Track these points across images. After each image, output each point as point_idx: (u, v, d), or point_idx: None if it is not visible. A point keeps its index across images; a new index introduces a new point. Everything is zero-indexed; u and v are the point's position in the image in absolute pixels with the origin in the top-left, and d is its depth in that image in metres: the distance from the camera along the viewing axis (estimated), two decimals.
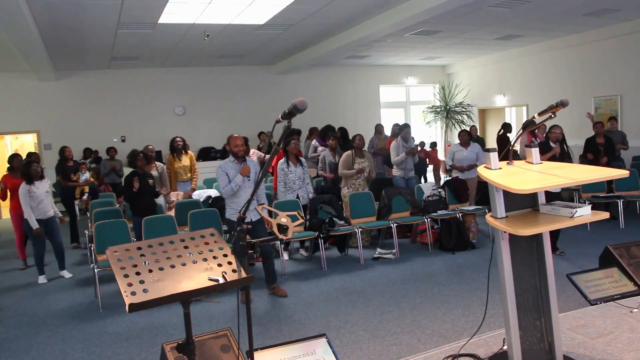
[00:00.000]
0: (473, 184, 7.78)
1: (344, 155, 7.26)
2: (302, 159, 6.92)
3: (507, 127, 10.99)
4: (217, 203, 6.89)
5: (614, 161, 8.23)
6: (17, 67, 10.85)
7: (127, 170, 11.31)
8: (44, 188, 6.35)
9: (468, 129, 12.65)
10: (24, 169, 6.34)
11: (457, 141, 8.20)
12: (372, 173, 7.44)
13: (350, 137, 8.06)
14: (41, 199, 6.29)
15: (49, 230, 6.43)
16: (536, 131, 8.76)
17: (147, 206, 6.41)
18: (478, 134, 12.53)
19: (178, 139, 7.82)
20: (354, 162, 7.16)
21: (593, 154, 8.00)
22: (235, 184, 5.17)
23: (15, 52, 8.98)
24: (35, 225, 6.20)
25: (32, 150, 12.80)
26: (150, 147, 7.48)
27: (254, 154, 7.57)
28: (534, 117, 3.12)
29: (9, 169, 7.23)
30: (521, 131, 3.25)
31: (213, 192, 7.63)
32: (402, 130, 8.18)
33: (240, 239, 2.33)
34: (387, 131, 10.67)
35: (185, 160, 7.79)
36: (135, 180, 6.32)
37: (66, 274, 6.53)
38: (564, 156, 6.59)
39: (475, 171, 7.69)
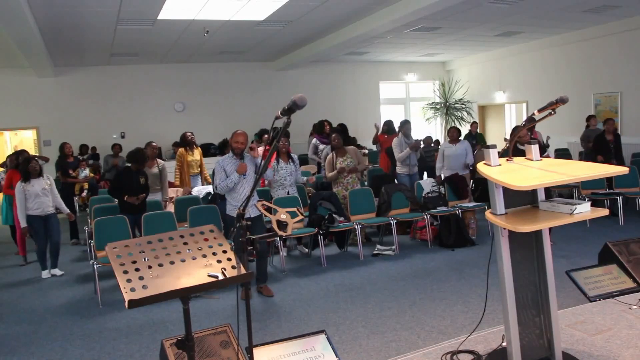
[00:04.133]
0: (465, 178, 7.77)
1: (327, 158, 7.17)
2: (294, 156, 6.85)
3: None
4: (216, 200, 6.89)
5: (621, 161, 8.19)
6: (16, 63, 10.83)
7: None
8: (40, 185, 6.32)
9: (469, 125, 12.72)
10: (23, 166, 6.37)
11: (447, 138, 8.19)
12: (361, 165, 7.33)
13: (350, 134, 8.06)
14: (37, 196, 6.28)
15: (47, 228, 6.41)
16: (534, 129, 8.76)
17: (133, 204, 6.32)
18: (478, 130, 12.52)
19: (189, 133, 8.11)
20: (336, 162, 7.11)
21: (604, 151, 7.94)
22: (231, 181, 5.15)
23: (14, 48, 8.95)
24: (23, 223, 6.26)
25: (32, 147, 12.83)
26: (154, 144, 7.45)
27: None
28: (533, 113, 3.12)
29: (15, 165, 7.24)
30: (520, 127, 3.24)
31: (211, 188, 7.65)
32: (402, 127, 8.16)
33: (240, 235, 2.33)
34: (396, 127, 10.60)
35: (196, 154, 8.09)
36: (132, 199, 6.25)
37: (57, 272, 6.49)
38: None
39: (462, 168, 7.68)
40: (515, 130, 3.25)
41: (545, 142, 8.70)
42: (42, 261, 6.43)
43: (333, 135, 7.29)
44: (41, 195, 6.32)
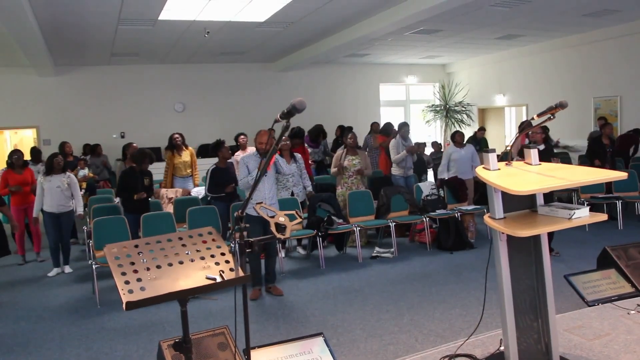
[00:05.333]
0: (470, 184, 7.78)
1: (336, 154, 7.27)
2: (297, 155, 6.88)
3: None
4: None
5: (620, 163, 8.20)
6: (17, 62, 10.83)
7: (114, 164, 11.37)
8: (56, 182, 6.41)
9: (476, 129, 12.72)
10: (48, 160, 6.52)
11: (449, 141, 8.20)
12: (367, 170, 7.37)
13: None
14: (52, 191, 6.37)
15: (59, 225, 6.48)
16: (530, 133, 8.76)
17: (139, 204, 6.38)
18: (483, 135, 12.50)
19: (176, 135, 7.97)
20: (344, 160, 7.13)
21: (600, 155, 7.93)
22: (252, 178, 5.21)
23: (15, 47, 8.96)
24: (35, 214, 6.43)
25: (33, 145, 12.82)
26: (135, 145, 7.54)
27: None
28: (533, 118, 3.12)
29: (9, 164, 7.22)
30: (518, 133, 3.25)
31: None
32: (401, 129, 8.16)
33: (240, 237, 2.33)
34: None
35: (185, 156, 7.94)
36: (141, 194, 6.35)
37: (67, 268, 6.57)
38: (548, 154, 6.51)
39: (471, 172, 7.68)
40: (522, 129, 3.26)
41: (555, 143, 8.70)
42: (54, 258, 6.50)
43: (350, 134, 7.36)
44: (56, 192, 6.40)
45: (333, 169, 7.28)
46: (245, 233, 2.33)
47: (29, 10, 6.77)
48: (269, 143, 5.38)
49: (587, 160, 8.21)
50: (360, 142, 10.55)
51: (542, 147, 6.23)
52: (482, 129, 12.52)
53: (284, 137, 7.03)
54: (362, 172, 7.22)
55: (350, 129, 9.86)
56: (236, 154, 7.85)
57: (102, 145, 11.12)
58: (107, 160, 10.70)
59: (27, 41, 8.32)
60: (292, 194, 6.72)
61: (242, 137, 8.28)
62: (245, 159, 5.39)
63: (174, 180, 7.85)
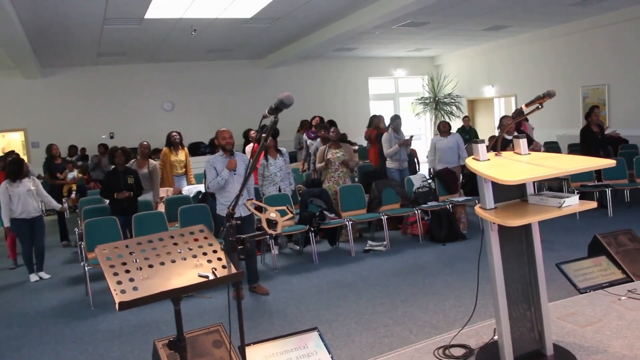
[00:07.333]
0: (456, 172, 7.81)
1: (319, 149, 7.24)
2: (283, 150, 6.85)
3: None
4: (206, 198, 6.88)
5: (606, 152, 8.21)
6: (2, 64, 10.71)
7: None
8: (25, 187, 6.25)
9: (461, 119, 12.79)
10: (10, 166, 6.28)
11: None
12: (351, 161, 7.34)
13: (340, 130, 8.04)
14: (22, 197, 6.21)
15: (32, 231, 6.33)
16: (523, 122, 8.80)
17: (124, 205, 6.29)
18: (470, 124, 12.55)
19: (174, 133, 8.01)
20: (327, 154, 7.12)
21: (593, 144, 7.86)
22: (222, 178, 5.13)
23: None
24: (6, 223, 6.18)
25: (20, 148, 12.71)
26: (145, 143, 7.45)
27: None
28: (521, 107, 3.13)
29: (2, 168, 7.15)
30: (510, 122, 3.26)
31: (202, 187, 7.62)
32: (393, 122, 8.16)
33: (230, 234, 2.32)
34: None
35: (181, 155, 8.02)
36: (122, 194, 6.25)
37: (44, 275, 6.43)
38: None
39: (456, 160, 7.73)
40: (503, 120, 3.28)
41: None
42: (29, 265, 6.38)
43: (332, 129, 7.34)
44: (26, 197, 6.25)
45: (319, 164, 7.23)
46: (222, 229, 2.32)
47: (11, 11, 6.68)
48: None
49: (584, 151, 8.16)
50: (358, 138, 10.59)
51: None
52: (466, 117, 12.57)
53: (263, 136, 6.96)
54: (347, 163, 7.20)
55: (332, 122, 9.82)
56: (247, 148, 7.84)
57: (91, 147, 11.07)
58: (107, 162, 10.64)
59: (11, 43, 8.23)
60: (280, 190, 6.70)
61: (252, 132, 8.47)
62: (211, 161, 5.29)
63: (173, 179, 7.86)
